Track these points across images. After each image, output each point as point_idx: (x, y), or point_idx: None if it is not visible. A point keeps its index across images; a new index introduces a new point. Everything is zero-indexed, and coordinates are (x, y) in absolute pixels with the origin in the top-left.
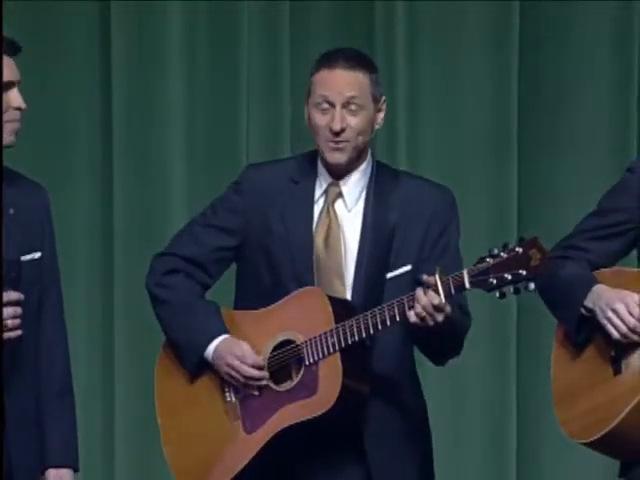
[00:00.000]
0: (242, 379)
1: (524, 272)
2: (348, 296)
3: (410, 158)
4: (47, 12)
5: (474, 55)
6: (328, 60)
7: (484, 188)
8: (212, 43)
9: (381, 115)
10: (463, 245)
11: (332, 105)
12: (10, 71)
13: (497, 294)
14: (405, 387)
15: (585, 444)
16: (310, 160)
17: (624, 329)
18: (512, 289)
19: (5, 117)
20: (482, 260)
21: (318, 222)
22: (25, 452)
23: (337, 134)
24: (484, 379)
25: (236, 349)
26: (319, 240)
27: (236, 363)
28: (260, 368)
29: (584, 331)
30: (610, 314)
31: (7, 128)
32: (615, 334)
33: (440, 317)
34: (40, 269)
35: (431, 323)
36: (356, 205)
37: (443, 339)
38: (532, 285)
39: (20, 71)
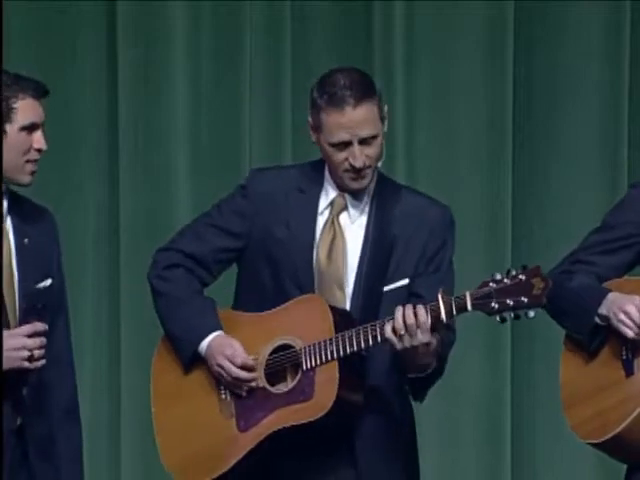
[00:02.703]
0: (230, 379)
1: (526, 300)
2: (347, 306)
3: (407, 163)
4: (54, 19)
5: (469, 61)
6: (335, 100)
7: (479, 193)
8: (216, 48)
9: (385, 123)
10: (457, 252)
11: (349, 144)
12: (37, 113)
13: (498, 318)
14: (394, 396)
15: (596, 445)
16: (316, 170)
17: (637, 328)
18: (512, 314)
19: (27, 157)
20: (485, 284)
21: (322, 232)
22: (46, 471)
23: (360, 170)
24: (479, 376)
25: (227, 349)
26: (323, 250)
27: (226, 363)
28: (249, 369)
29: (597, 339)
30: (622, 316)
31: (26, 169)
32: (629, 334)
33: (422, 338)
34: (51, 295)
35: (406, 344)
36: (359, 218)
37: (432, 376)
38: (532, 313)
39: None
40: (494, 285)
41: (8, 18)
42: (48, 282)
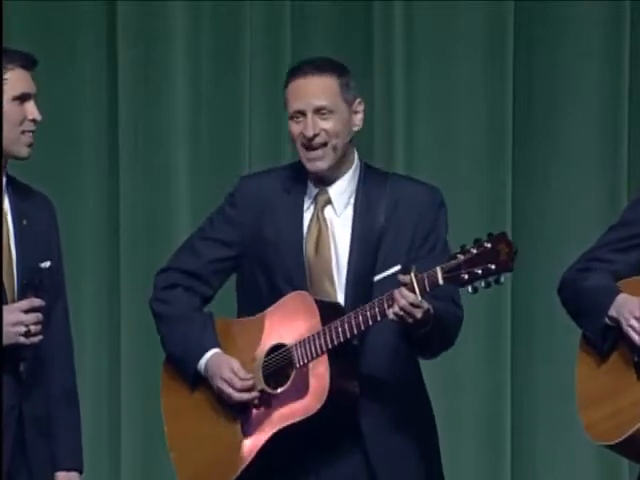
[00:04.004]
0: (231, 401)
1: (493, 266)
2: (340, 298)
3: (407, 162)
4: (54, 19)
5: (469, 61)
6: (296, 70)
7: (479, 193)
8: (216, 48)
9: (359, 117)
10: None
11: (304, 114)
12: (28, 83)
13: (469, 289)
14: (402, 378)
15: (609, 447)
16: (299, 169)
17: None
18: (483, 283)
19: (21, 128)
20: (454, 257)
21: (309, 228)
22: (42, 453)
23: (311, 139)
24: (479, 371)
25: (225, 371)
26: (310, 245)
27: (225, 387)
28: (249, 389)
29: (609, 340)
30: (633, 322)
31: (23, 140)
32: (639, 340)
33: (418, 314)
34: (50, 277)
35: (410, 320)
36: (345, 210)
37: (431, 333)
38: (502, 278)
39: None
40: (462, 256)
41: (8, 18)
42: (47, 264)
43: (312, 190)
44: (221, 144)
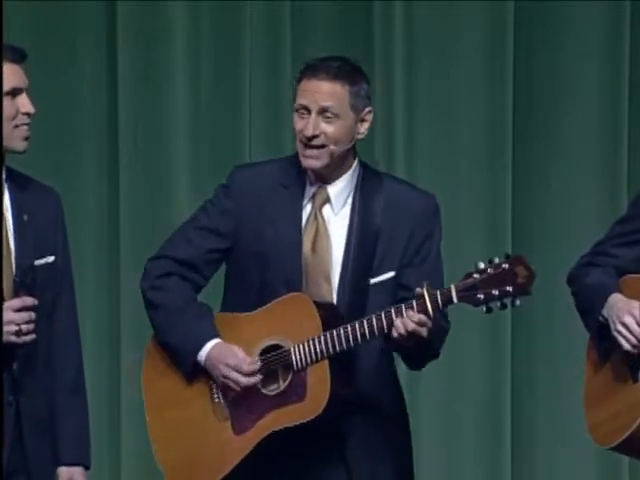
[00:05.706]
0: (239, 389)
1: (511, 289)
2: (334, 298)
3: (407, 163)
4: (54, 19)
5: (469, 61)
6: (310, 70)
7: (479, 193)
8: (216, 48)
9: (365, 125)
10: (457, 251)
11: (309, 111)
12: (18, 77)
13: (484, 309)
14: (384, 386)
15: (609, 449)
16: (297, 164)
17: (634, 341)
18: (499, 304)
19: (15, 122)
20: (469, 276)
21: (306, 226)
22: (41, 451)
23: (309, 139)
24: (479, 375)
25: (230, 358)
26: (307, 244)
27: (232, 375)
28: (255, 373)
29: (605, 339)
30: (619, 327)
31: (18, 133)
32: (626, 346)
33: (424, 333)
34: (54, 272)
35: (415, 338)
36: (342, 209)
37: (420, 349)
38: (518, 301)
39: (31, 75)
40: (478, 276)
41: (8, 18)
42: (50, 259)
43: (310, 187)
44: (221, 144)
